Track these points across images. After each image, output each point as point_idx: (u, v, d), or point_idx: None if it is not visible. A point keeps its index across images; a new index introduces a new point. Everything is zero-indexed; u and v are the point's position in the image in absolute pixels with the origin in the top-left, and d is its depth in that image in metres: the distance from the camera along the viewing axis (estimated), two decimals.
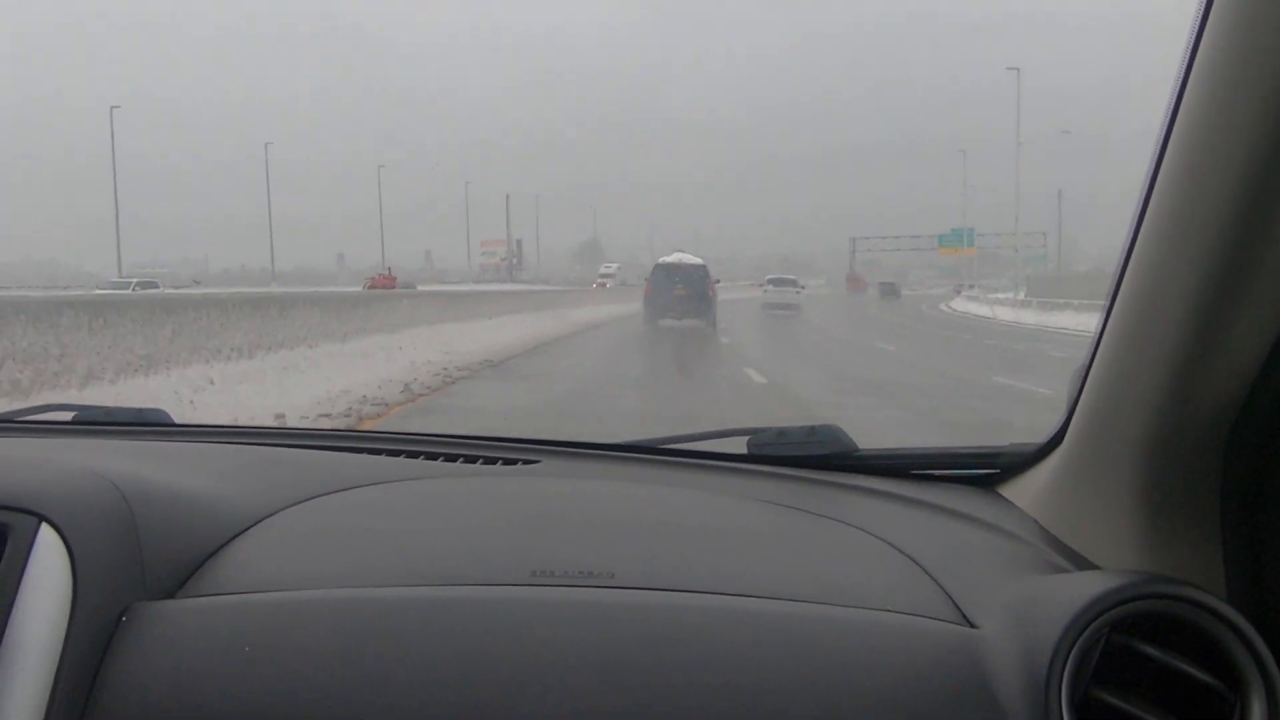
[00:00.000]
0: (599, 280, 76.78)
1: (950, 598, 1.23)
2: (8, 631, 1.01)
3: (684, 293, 31.12)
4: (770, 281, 49.54)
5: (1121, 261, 1.20)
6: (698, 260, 33.68)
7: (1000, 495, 1.69)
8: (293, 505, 1.47)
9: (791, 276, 52.25)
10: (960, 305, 56.16)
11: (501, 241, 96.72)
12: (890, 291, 66.23)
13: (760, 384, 15.70)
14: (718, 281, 35.25)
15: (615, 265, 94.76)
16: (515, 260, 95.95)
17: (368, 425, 10.24)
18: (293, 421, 9.57)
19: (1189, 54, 1.02)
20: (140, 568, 1.14)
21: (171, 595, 1.16)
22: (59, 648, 1.02)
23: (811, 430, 1.82)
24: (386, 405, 12.14)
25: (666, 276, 32.21)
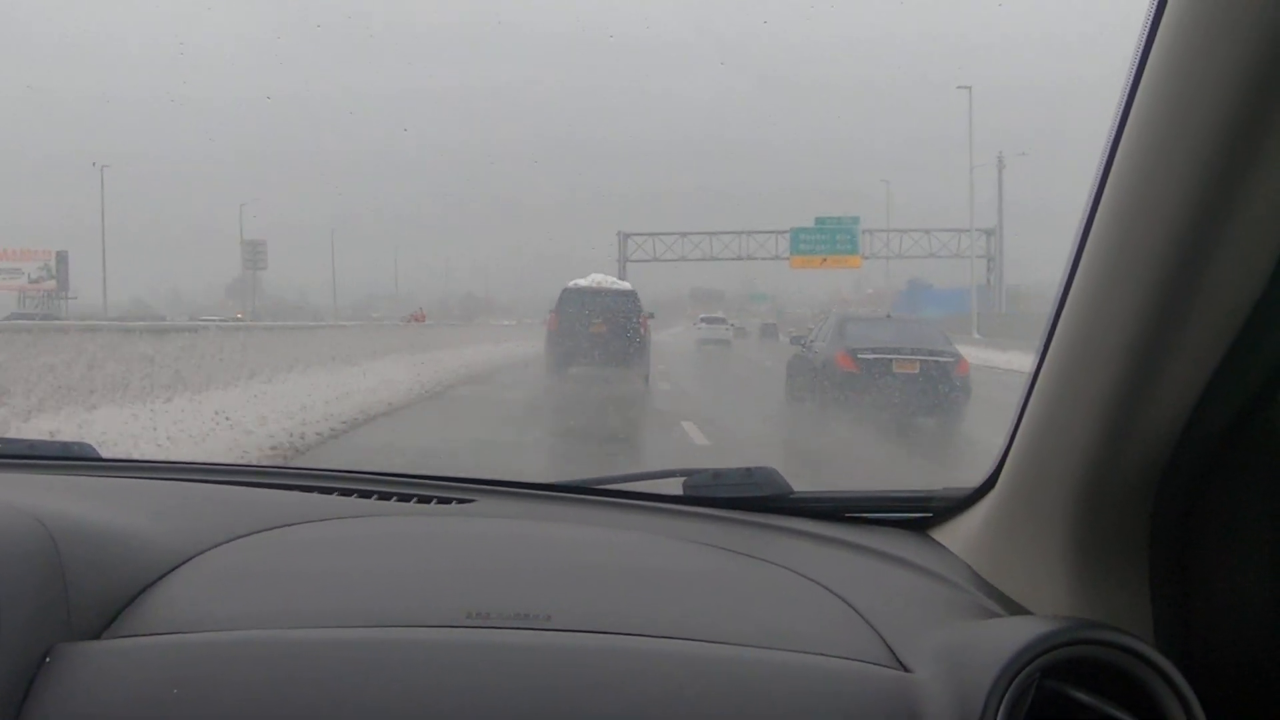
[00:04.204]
0: None
1: (884, 641, 1.24)
2: None
3: (604, 330, 21.68)
4: (703, 320, 51.46)
5: (1055, 307, 1.23)
6: (624, 285, 24.31)
7: (933, 539, 1.71)
8: (223, 543, 1.44)
9: (721, 315, 54.34)
10: None
11: (31, 254, 57.04)
12: (769, 332, 60.31)
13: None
14: (651, 315, 24.13)
15: None
16: (56, 282, 57.53)
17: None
18: None
19: (1126, 94, 1.04)
20: (65, 608, 1.11)
21: (97, 636, 1.13)
22: None
23: (748, 472, 1.83)
24: None
25: (580, 307, 22.37)
